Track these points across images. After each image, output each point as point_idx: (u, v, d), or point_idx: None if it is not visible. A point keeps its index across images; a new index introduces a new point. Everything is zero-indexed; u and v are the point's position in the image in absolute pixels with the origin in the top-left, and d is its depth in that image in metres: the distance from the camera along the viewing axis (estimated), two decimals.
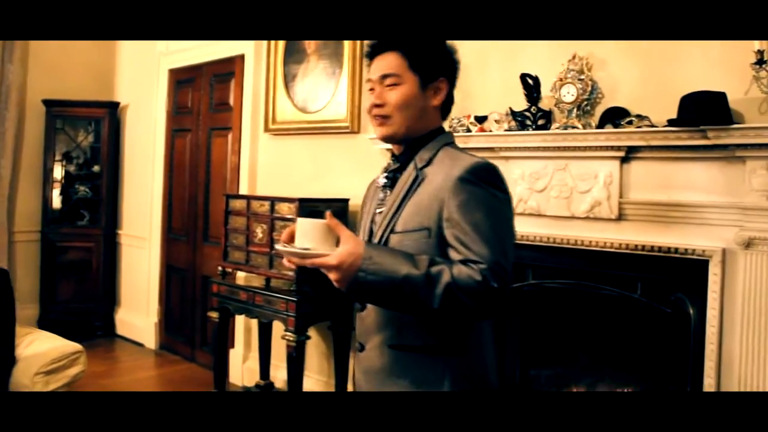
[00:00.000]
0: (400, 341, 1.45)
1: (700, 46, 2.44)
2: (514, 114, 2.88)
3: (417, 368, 1.44)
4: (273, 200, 3.53)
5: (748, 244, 2.29)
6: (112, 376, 4.53)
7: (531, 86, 2.85)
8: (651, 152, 2.52)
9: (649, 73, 2.61)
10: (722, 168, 2.38)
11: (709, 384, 2.38)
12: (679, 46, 2.49)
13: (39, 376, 2.73)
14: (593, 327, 2.85)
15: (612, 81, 2.70)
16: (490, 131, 2.96)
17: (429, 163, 1.48)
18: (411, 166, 1.50)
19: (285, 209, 3.45)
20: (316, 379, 3.92)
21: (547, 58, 2.84)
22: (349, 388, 3.58)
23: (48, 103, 5.31)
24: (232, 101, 4.56)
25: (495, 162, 1.46)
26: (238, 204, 3.77)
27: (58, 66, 5.42)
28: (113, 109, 5.52)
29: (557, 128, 2.74)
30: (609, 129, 2.60)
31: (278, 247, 1.40)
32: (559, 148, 2.74)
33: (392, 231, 1.46)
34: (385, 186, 1.56)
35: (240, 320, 4.32)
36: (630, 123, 2.54)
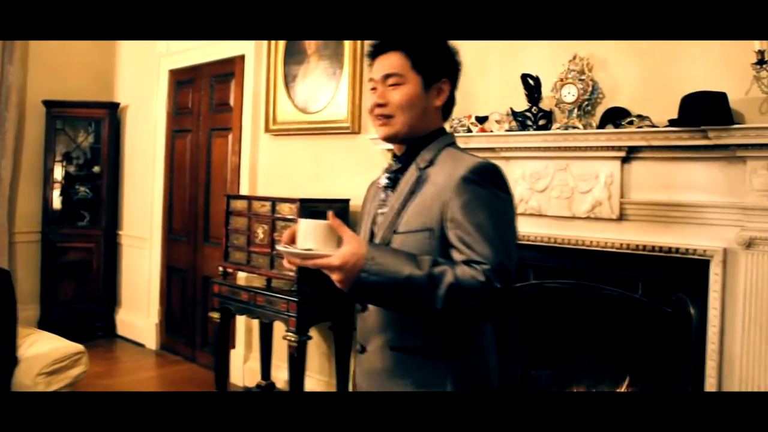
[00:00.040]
0: (402, 343, 1.45)
1: (701, 46, 2.44)
2: (514, 114, 2.88)
3: (419, 370, 1.43)
4: (274, 201, 3.54)
5: (749, 244, 2.30)
6: (112, 376, 4.53)
7: (532, 86, 2.85)
8: (652, 152, 2.52)
9: (650, 74, 2.61)
10: (723, 168, 2.38)
11: (710, 384, 2.39)
12: (680, 47, 2.50)
13: (41, 376, 2.73)
14: (594, 327, 2.85)
15: (613, 81, 2.70)
16: (491, 131, 2.97)
17: (431, 163, 1.48)
18: (413, 167, 1.50)
19: (286, 210, 3.45)
20: (317, 380, 3.92)
21: (547, 58, 2.85)
22: (350, 389, 3.58)
23: (48, 104, 5.31)
24: (232, 102, 4.56)
25: (496, 162, 1.46)
26: (239, 204, 3.77)
27: (58, 67, 5.42)
28: (113, 109, 5.52)
29: (558, 128, 2.74)
30: (610, 129, 2.60)
31: (280, 248, 1.39)
32: (560, 149, 2.74)
33: (395, 231, 1.45)
34: (386, 186, 1.55)
35: (241, 320, 4.32)
36: (631, 123, 2.54)
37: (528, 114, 2.84)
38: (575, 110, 2.71)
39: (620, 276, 2.65)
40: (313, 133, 4.01)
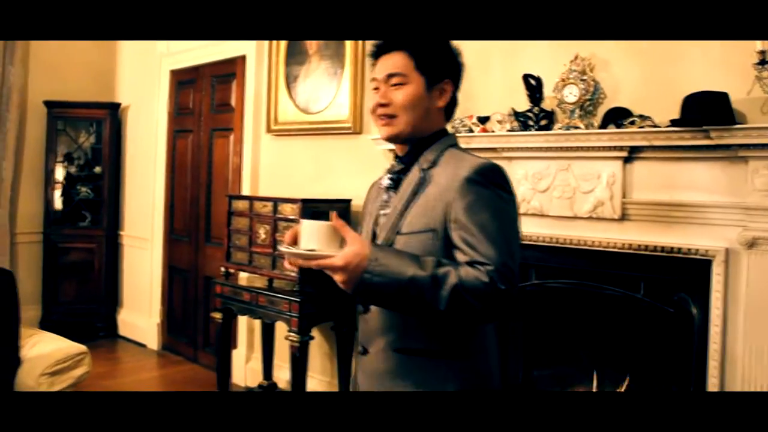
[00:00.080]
0: (404, 344, 1.44)
1: (702, 47, 2.44)
2: (516, 114, 2.88)
3: (421, 372, 1.43)
4: (276, 201, 3.54)
5: (752, 243, 2.30)
6: (114, 377, 4.54)
7: (533, 87, 2.85)
8: (654, 152, 2.52)
9: (651, 74, 2.61)
10: (725, 168, 2.38)
11: (712, 384, 2.39)
12: (681, 47, 2.50)
13: (44, 377, 2.74)
14: (596, 327, 2.86)
15: (614, 81, 2.70)
16: (493, 132, 2.97)
17: (434, 164, 1.47)
18: (416, 168, 1.49)
19: (288, 210, 3.45)
20: (319, 380, 3.92)
21: (549, 58, 2.85)
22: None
23: (49, 105, 5.32)
24: (233, 102, 4.57)
25: (498, 162, 1.46)
26: (240, 205, 3.78)
27: (59, 67, 5.42)
28: (114, 110, 5.52)
29: (560, 129, 2.74)
30: (612, 129, 2.60)
31: (283, 248, 1.39)
32: (561, 149, 2.74)
33: (397, 232, 1.45)
34: (389, 187, 1.55)
35: (242, 321, 4.32)
36: (632, 123, 2.54)
37: (530, 114, 2.84)
38: (577, 110, 2.71)
39: (622, 276, 2.65)
40: (314, 134, 4.02)
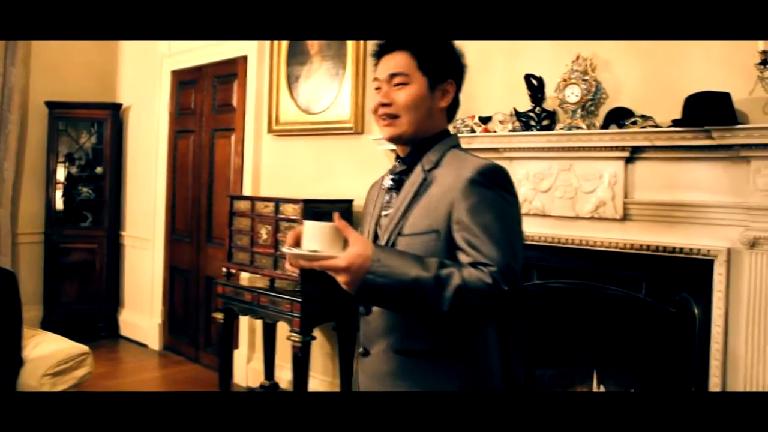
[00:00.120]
0: (406, 346, 1.44)
1: (704, 47, 2.44)
2: (518, 114, 2.89)
3: (423, 373, 1.43)
4: (278, 201, 3.54)
5: (753, 243, 2.30)
6: (116, 377, 4.54)
7: (535, 87, 2.85)
8: (655, 152, 2.52)
9: (653, 74, 2.61)
10: (727, 168, 2.38)
11: (714, 383, 2.39)
12: (683, 47, 2.50)
13: (46, 377, 2.73)
14: (598, 327, 2.86)
15: (616, 81, 2.70)
16: (495, 132, 2.97)
17: (437, 165, 1.47)
18: (418, 168, 1.49)
19: (290, 210, 3.46)
20: (320, 380, 3.92)
21: (550, 58, 2.85)
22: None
23: (50, 105, 5.32)
24: (235, 102, 4.57)
25: (499, 162, 1.46)
26: (242, 205, 3.78)
27: (60, 68, 5.43)
28: (116, 110, 5.53)
29: (561, 129, 2.74)
30: (613, 129, 2.61)
31: (285, 249, 1.38)
32: (563, 149, 2.74)
33: (399, 233, 1.45)
34: (391, 188, 1.54)
35: (244, 321, 4.32)
36: (634, 123, 2.55)
37: (531, 114, 2.84)
38: (579, 110, 2.71)
39: (624, 276, 2.65)
40: (316, 134, 4.02)
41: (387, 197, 1.55)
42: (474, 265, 1.31)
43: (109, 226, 5.50)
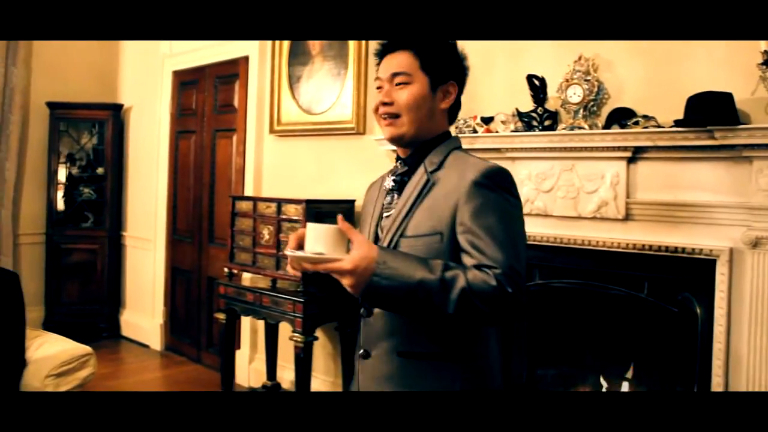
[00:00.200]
0: (408, 348, 1.44)
1: (706, 47, 2.45)
2: (520, 115, 2.89)
3: (424, 375, 1.43)
4: (280, 202, 3.54)
5: (756, 243, 2.30)
6: (117, 377, 4.54)
7: (537, 87, 2.86)
8: (658, 152, 2.53)
9: (655, 74, 2.61)
10: (729, 168, 2.38)
11: (717, 383, 2.39)
12: (685, 47, 2.50)
13: (50, 378, 2.74)
14: (600, 327, 2.86)
15: (618, 82, 2.71)
16: (497, 132, 2.97)
17: (440, 167, 1.47)
18: (421, 170, 1.49)
19: (292, 211, 3.46)
20: (322, 380, 3.92)
21: (553, 59, 2.85)
22: None
23: (51, 106, 5.32)
24: (236, 103, 4.57)
25: (502, 163, 1.46)
26: (244, 205, 3.78)
27: (61, 68, 5.43)
28: (117, 111, 5.53)
29: (564, 129, 2.75)
30: (615, 129, 2.61)
31: (289, 252, 1.38)
32: (565, 149, 2.74)
33: (402, 235, 1.44)
34: (392, 189, 1.54)
35: (246, 321, 4.33)
36: (636, 123, 2.55)
37: (533, 114, 2.84)
38: (581, 111, 2.71)
39: (626, 276, 2.66)
40: (317, 134, 4.02)
41: (388, 198, 1.55)
42: (478, 267, 1.31)
43: (110, 227, 5.50)
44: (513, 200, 1.41)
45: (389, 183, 1.55)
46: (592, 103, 2.70)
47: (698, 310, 2.48)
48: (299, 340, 3.29)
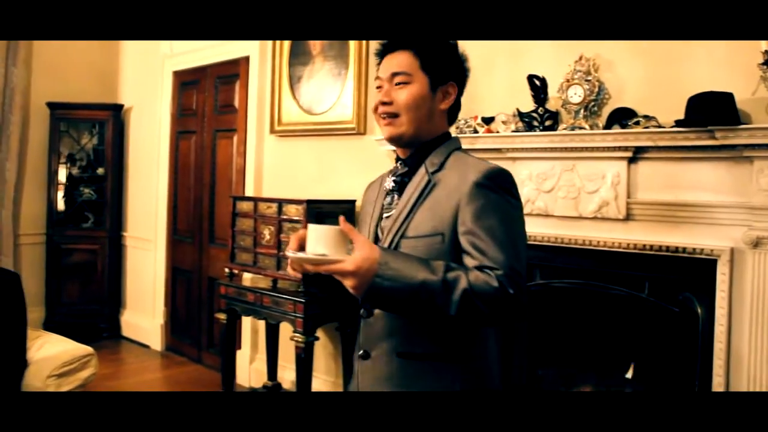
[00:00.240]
0: (408, 349, 1.44)
1: (707, 47, 2.45)
2: (521, 115, 2.89)
3: (424, 375, 1.43)
4: (280, 202, 3.54)
5: (757, 243, 2.30)
6: (118, 378, 4.54)
7: (538, 87, 2.86)
8: (658, 152, 2.53)
9: (656, 74, 2.61)
10: (730, 168, 2.38)
11: (717, 383, 2.39)
12: (686, 47, 2.50)
13: (51, 379, 2.74)
14: (601, 327, 2.86)
15: (619, 82, 2.71)
16: (498, 132, 2.97)
17: (441, 167, 1.47)
18: (422, 171, 1.49)
19: (293, 211, 3.46)
20: (323, 380, 3.93)
21: (553, 59, 2.85)
22: None
23: (52, 106, 5.32)
24: (237, 103, 4.57)
25: (502, 163, 1.46)
26: (245, 206, 3.78)
27: (61, 69, 5.43)
28: (117, 111, 5.53)
29: (564, 129, 2.75)
30: (616, 129, 2.61)
31: (290, 254, 1.37)
32: (566, 149, 2.74)
33: (403, 236, 1.44)
34: (392, 190, 1.54)
35: (246, 321, 4.33)
36: (637, 123, 2.55)
37: (534, 115, 2.84)
38: (581, 111, 2.71)
39: (627, 276, 2.66)
40: (318, 134, 4.02)
41: (388, 199, 1.55)
42: (479, 268, 1.32)
43: (110, 227, 5.50)
44: (514, 201, 1.41)
45: (389, 183, 1.55)
46: (592, 103, 2.70)
47: (699, 310, 2.49)
48: (300, 340, 3.29)
